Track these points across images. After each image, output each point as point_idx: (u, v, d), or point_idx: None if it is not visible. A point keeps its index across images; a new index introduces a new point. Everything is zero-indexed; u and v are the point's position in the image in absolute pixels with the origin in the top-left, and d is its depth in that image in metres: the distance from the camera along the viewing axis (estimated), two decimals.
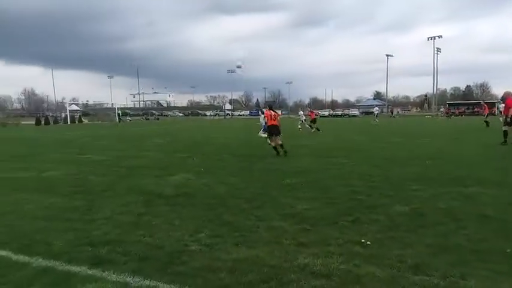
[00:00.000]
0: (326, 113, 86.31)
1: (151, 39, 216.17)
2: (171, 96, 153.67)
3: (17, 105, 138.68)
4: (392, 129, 29.79)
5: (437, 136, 21.05)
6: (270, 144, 13.20)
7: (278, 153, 12.66)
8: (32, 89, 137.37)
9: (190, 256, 4.16)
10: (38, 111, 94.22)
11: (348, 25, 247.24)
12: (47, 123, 52.31)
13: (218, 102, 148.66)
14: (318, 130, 24.63)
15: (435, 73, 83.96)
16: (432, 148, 14.64)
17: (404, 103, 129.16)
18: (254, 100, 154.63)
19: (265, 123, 15.16)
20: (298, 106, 56.25)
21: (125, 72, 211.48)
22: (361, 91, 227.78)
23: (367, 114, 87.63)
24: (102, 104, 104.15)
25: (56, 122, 55.99)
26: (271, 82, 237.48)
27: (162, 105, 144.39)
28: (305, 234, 4.80)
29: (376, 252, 4.20)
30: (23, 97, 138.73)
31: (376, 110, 44.20)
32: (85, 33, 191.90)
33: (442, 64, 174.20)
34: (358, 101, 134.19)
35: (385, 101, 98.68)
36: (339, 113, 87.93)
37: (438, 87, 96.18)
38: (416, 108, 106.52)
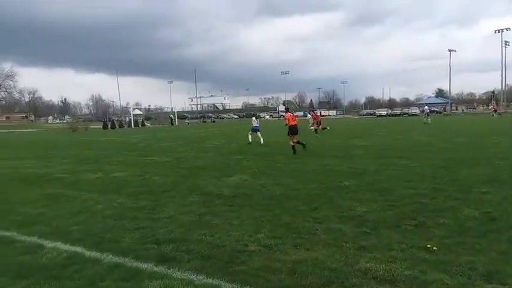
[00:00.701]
0: (384, 113, 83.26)
1: (208, 45, 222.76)
2: (226, 99, 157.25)
3: (85, 111, 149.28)
4: (455, 128, 28.05)
5: (506, 135, 19.49)
6: (291, 142, 14.03)
7: (295, 152, 13.45)
8: (99, 95, 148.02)
9: (250, 256, 4.20)
10: (105, 115, 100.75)
11: (406, 21, 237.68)
12: (113, 127, 55.58)
13: (272, 104, 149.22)
14: (324, 129, 26.40)
15: (503, 68, 77.97)
16: (501, 148, 13.58)
17: (468, 100, 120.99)
18: (308, 101, 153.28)
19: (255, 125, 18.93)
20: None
21: (183, 77, 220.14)
22: (420, 89, 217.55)
23: (429, 113, 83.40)
24: (163, 108, 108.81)
25: (121, 125, 59.34)
26: (326, 82, 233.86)
27: (217, 108, 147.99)
28: (366, 238, 4.65)
29: (444, 259, 3.97)
30: (91, 103, 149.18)
31: (426, 109, 42.03)
32: (147, 41, 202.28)
33: (511, 58, 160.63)
34: (418, 99, 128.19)
35: (448, 99, 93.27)
36: (398, 112, 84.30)
37: (507, 82, 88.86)
38: (483, 106, 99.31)
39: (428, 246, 4.29)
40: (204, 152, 15.79)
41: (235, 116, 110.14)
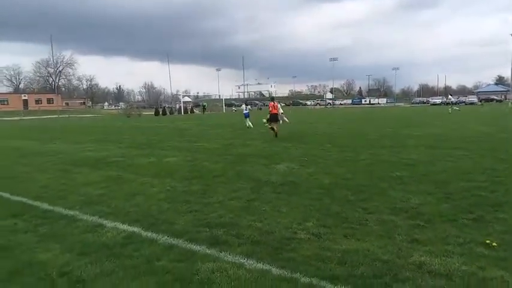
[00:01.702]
0: (438, 101, 79.02)
1: (254, 32, 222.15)
2: (273, 86, 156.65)
3: (138, 97, 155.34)
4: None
5: None
6: (268, 126, 16.97)
7: (276, 135, 16.04)
8: (151, 83, 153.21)
9: (299, 244, 4.22)
10: (156, 102, 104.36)
11: (464, 4, 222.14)
12: (164, 113, 57.53)
13: (319, 92, 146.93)
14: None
15: None
16: None
17: None
18: (356, 88, 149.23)
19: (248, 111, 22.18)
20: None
21: (231, 65, 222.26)
22: (479, 76, 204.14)
23: (487, 101, 78.07)
24: (210, 96, 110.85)
25: (171, 112, 61.34)
26: (376, 69, 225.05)
27: (264, 96, 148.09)
28: (420, 231, 4.50)
29: (504, 255, 3.77)
30: (144, 90, 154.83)
31: (450, 98, 39.75)
32: (196, 30, 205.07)
33: None
34: (476, 86, 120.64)
35: (509, 87, 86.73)
36: (454, 100, 79.49)
37: None
38: None
39: (487, 241, 4.09)
40: (251, 139, 15.93)
41: (282, 104, 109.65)
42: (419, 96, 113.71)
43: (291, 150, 12.01)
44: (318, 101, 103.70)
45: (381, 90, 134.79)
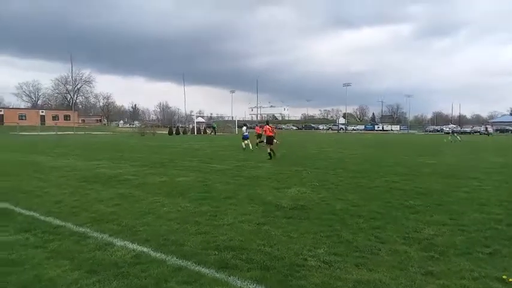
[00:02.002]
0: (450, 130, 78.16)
1: (271, 55, 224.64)
2: (286, 109, 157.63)
3: (153, 116, 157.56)
4: None
5: None
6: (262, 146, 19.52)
7: (271, 157, 16.60)
8: (166, 102, 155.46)
9: (309, 271, 4.14)
10: (170, 122, 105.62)
11: (481, 34, 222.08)
12: (177, 133, 58.10)
13: (332, 116, 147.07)
14: (261, 142, 23.66)
15: None
16: None
17: None
18: (370, 114, 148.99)
19: (246, 133, 22.85)
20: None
21: (245, 87, 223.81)
22: (494, 106, 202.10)
23: (502, 132, 76.99)
24: (223, 117, 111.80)
25: (184, 132, 61.88)
26: (390, 95, 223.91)
27: (277, 119, 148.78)
28: (433, 263, 4.39)
29: None
30: (158, 109, 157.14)
31: (452, 127, 39.56)
32: (212, 52, 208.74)
33: None
34: (491, 116, 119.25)
35: None
36: (468, 129, 78.55)
37: None
38: None
39: (503, 277, 3.95)
40: (263, 161, 15.91)
41: (294, 127, 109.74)
42: (433, 124, 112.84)
43: (302, 174, 11.94)
44: (331, 126, 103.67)
45: (394, 116, 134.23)
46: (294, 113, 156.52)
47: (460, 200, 7.89)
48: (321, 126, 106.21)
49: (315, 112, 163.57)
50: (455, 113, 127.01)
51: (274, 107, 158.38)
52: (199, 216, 6.49)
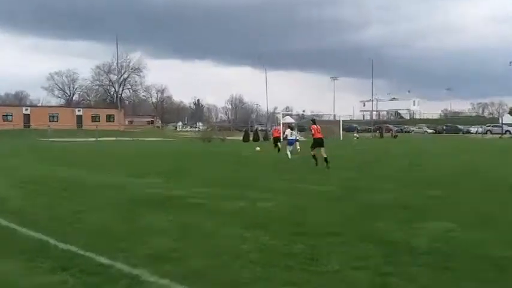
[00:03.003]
0: None
1: (389, 25, 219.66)
2: (416, 103, 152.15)
3: (222, 116, 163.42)
4: None
5: None
6: (311, 153, 20.55)
7: (317, 163, 19.49)
8: (239, 96, 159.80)
9: None
10: (246, 123, 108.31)
11: None
12: (256, 139, 59.30)
13: (491, 113, 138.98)
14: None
15: None
16: None
17: None
18: None
19: (286, 137, 26.28)
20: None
21: (352, 72, 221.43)
22: None
23: None
24: (321, 116, 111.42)
25: (265, 138, 62.70)
26: None
27: (402, 117, 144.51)
28: None
29: None
30: (230, 106, 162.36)
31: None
32: (304, 23, 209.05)
33: None
34: None
35: None
36: None
37: None
38: None
39: None
40: (383, 180, 15.61)
41: (429, 130, 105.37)
42: None
43: (446, 201, 11.47)
44: (490, 127, 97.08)
45: None
46: (430, 107, 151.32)
47: None
48: (472, 129, 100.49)
49: (463, 107, 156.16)
50: None
51: (396, 99, 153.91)
52: (291, 258, 6.56)
